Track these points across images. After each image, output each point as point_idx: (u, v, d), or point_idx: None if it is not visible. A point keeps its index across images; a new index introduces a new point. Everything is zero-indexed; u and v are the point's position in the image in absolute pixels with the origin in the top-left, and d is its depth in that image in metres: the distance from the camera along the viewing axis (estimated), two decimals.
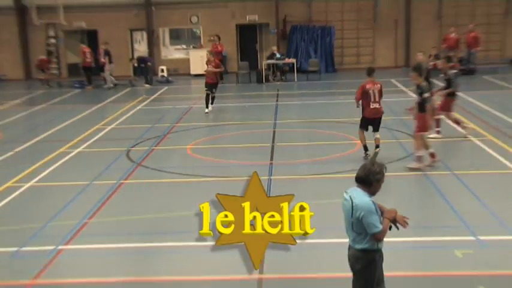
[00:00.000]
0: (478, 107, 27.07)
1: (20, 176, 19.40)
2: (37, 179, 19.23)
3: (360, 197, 8.23)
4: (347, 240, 11.46)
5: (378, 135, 19.39)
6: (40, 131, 26.48)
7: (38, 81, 43.12)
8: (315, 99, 31.46)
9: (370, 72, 20.06)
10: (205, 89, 30.46)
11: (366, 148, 19.69)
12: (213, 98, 30.62)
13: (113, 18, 43.45)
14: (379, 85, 19.51)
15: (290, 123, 26.18)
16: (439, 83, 25.79)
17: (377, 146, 19.28)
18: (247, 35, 43.79)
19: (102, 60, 40.37)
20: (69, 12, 43.26)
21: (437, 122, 21.96)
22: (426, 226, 14.10)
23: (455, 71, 23.91)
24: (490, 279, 11.00)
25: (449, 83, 23.24)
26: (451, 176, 17.54)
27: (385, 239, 12.70)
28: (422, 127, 17.96)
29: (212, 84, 30.54)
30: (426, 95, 17.84)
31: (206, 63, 31.26)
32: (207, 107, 30.08)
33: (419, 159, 17.82)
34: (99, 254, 13.44)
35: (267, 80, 39.47)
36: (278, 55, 40.17)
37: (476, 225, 13.72)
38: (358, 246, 8.44)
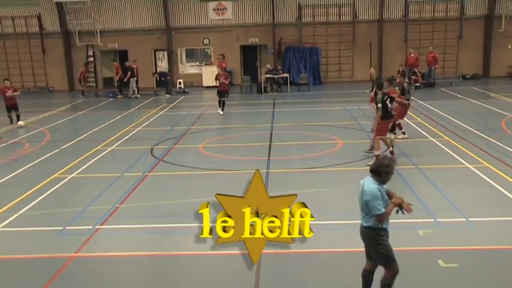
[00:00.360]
0: (437, 113, 27.08)
1: (64, 169, 19.46)
2: (78, 171, 19.29)
3: (369, 184, 8.63)
4: (331, 222, 11.64)
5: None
6: (80, 132, 26.45)
7: (79, 92, 43.25)
8: (305, 106, 31.40)
9: (391, 81, 19.79)
10: (218, 96, 31.35)
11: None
12: (224, 103, 31.14)
13: (140, 40, 43.38)
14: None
15: (284, 126, 26.10)
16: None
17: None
18: (249, 54, 43.67)
19: (121, 75, 40.73)
20: (104, 35, 43.25)
21: (399, 126, 21.94)
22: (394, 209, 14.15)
23: (408, 82, 24.10)
24: (447, 254, 11.11)
25: (403, 92, 23.43)
26: (415, 169, 17.63)
27: (351, 222, 12.74)
28: (382, 131, 17.85)
29: (224, 91, 31.32)
30: (379, 105, 17.71)
31: (216, 76, 31.94)
32: (222, 110, 31.06)
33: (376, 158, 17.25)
34: (127, 232, 13.59)
35: (266, 91, 39.21)
36: (276, 70, 40.27)
37: (435, 209, 13.82)
38: (365, 224, 8.77)
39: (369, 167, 16.75)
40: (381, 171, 8.67)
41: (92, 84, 43.48)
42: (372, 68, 29.48)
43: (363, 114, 25.33)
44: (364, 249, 9.19)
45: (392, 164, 8.91)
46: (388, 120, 18.17)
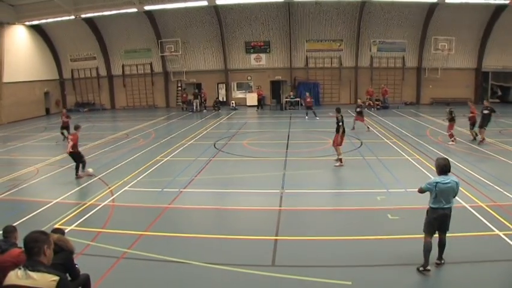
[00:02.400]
0: (389, 125, 26.87)
1: (162, 154, 19.69)
2: (170, 156, 19.47)
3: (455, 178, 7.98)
4: (324, 190, 11.55)
5: None
6: (172, 132, 26.64)
7: (173, 108, 43.69)
8: (310, 119, 31.34)
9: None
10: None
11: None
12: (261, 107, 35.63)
13: (209, 77, 43.37)
14: None
15: (297, 131, 26.01)
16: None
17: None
18: (276, 86, 43.33)
19: (187, 98, 41.70)
20: (188, 74, 43.44)
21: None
22: (363, 183, 14.18)
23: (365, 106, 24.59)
24: (393, 211, 11.20)
25: (361, 113, 24.83)
26: (376, 159, 17.55)
27: (345, 190, 12.73)
28: (338, 142, 16.90)
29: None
30: (340, 123, 16.90)
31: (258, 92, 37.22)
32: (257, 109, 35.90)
33: (340, 160, 16.75)
34: (200, 194, 13.73)
35: (286, 109, 39.22)
36: (292, 96, 40.32)
37: (387, 183, 13.91)
38: (450, 206, 7.88)
39: (336, 167, 16.44)
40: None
41: (180, 103, 43.71)
42: (358, 100, 29.40)
43: (348, 126, 25.27)
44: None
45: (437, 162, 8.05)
46: (337, 134, 17.02)
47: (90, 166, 16.35)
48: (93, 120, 35.30)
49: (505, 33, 38.54)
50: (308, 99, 32.84)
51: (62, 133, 24.41)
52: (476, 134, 21.17)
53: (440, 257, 8.21)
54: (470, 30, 39.29)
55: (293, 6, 39.14)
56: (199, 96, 41.01)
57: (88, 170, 16.17)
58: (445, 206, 7.81)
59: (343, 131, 17.14)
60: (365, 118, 26.49)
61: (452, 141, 20.68)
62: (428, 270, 7.93)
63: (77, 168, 16.06)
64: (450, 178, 7.85)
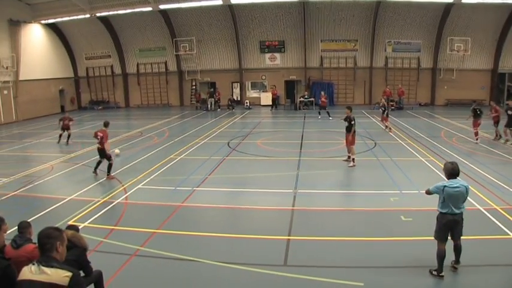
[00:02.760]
0: (403, 126, 26.68)
1: (176, 152, 19.77)
2: (184, 154, 19.55)
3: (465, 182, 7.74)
4: (336, 191, 11.54)
5: None
6: (186, 131, 26.74)
7: (187, 107, 43.91)
8: (324, 119, 31.21)
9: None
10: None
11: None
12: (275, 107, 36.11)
13: (223, 76, 43.45)
14: None
15: (311, 131, 25.90)
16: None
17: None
18: (290, 85, 43.31)
19: (200, 97, 42.26)
20: (202, 73, 43.58)
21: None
22: (376, 184, 14.13)
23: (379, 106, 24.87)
24: (406, 212, 11.14)
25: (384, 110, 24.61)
26: (390, 160, 17.44)
27: (358, 191, 12.72)
28: (351, 142, 16.89)
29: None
30: (353, 122, 16.85)
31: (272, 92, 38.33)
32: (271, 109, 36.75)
33: (353, 160, 16.78)
34: (213, 193, 13.73)
35: (300, 109, 39.10)
36: (307, 96, 40.22)
37: (401, 184, 13.85)
38: (462, 211, 7.66)
39: (349, 167, 16.42)
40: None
41: (193, 102, 43.87)
42: (382, 99, 29.06)
43: (362, 127, 25.13)
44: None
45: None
46: (348, 133, 16.96)
47: (104, 164, 16.41)
48: (108, 118, 35.09)
49: None
50: (323, 99, 32.75)
51: (60, 135, 23.97)
52: (501, 136, 21.41)
53: (457, 261, 8.07)
54: (487, 31, 38.85)
55: (308, 5, 39.02)
56: (214, 95, 41.12)
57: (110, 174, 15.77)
58: (455, 212, 7.58)
59: (354, 130, 17.01)
60: (383, 119, 26.45)
61: (476, 139, 21.07)
62: (442, 276, 7.77)
63: (97, 164, 16.00)
64: (459, 182, 7.63)
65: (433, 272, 7.85)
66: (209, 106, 40.44)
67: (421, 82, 41.37)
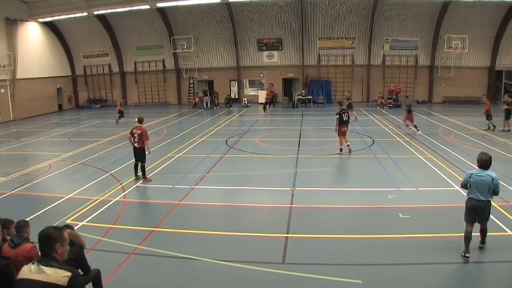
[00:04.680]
0: (401, 124, 26.54)
1: (174, 151, 19.75)
2: (182, 152, 19.54)
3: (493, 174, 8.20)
4: (333, 188, 11.55)
5: None
6: (184, 129, 26.69)
7: (185, 105, 43.88)
8: (321, 117, 31.12)
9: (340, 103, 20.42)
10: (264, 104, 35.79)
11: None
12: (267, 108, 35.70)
13: (221, 74, 43.46)
14: None
15: (308, 129, 25.91)
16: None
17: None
18: (288, 83, 43.28)
19: (200, 96, 41.77)
20: (200, 71, 43.53)
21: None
22: (374, 182, 14.15)
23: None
24: (404, 210, 11.14)
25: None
26: (388, 158, 17.43)
27: (356, 189, 12.69)
28: (340, 132, 18.44)
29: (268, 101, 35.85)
30: (337, 116, 18.39)
31: (268, 91, 37.32)
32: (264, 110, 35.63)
33: (341, 150, 18.39)
34: (212, 191, 13.75)
35: (297, 106, 39.01)
36: (304, 94, 40.09)
37: (399, 182, 13.86)
38: (488, 199, 8.19)
39: (338, 154, 17.12)
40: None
41: (191, 100, 43.86)
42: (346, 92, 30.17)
43: (358, 124, 25.20)
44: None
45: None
46: (341, 125, 18.42)
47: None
48: (105, 116, 35.49)
49: None
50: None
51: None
52: (494, 126, 23.76)
53: (482, 241, 8.69)
54: (484, 29, 38.91)
55: (306, 3, 39.01)
56: (208, 94, 40.99)
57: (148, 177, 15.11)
58: (479, 198, 8.15)
59: (340, 123, 18.36)
60: (354, 115, 26.64)
61: (416, 128, 23.19)
62: (467, 257, 8.23)
63: (136, 167, 15.03)
64: (486, 172, 8.20)
65: (462, 254, 8.32)
66: (205, 104, 40.36)
67: (419, 79, 41.40)
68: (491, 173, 8.20)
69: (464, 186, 8.50)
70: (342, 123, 18.40)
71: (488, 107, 23.89)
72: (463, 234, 8.32)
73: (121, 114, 30.47)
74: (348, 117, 18.95)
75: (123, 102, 30.07)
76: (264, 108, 36.12)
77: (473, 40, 39.09)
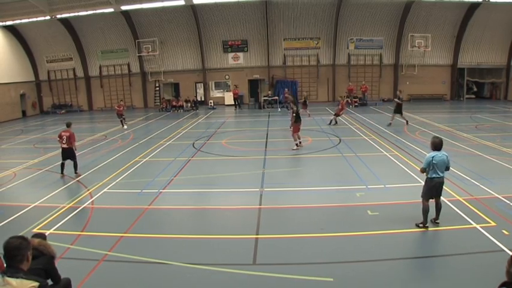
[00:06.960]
0: (367, 122, 27.09)
1: (141, 155, 19.55)
2: (149, 156, 19.36)
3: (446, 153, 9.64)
4: (306, 188, 11.58)
5: None
6: (151, 132, 26.49)
7: (151, 109, 43.44)
8: (288, 117, 31.17)
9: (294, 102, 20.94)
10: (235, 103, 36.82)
11: None
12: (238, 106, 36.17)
13: (186, 77, 43.37)
14: None
15: (275, 129, 26.04)
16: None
17: None
18: (254, 84, 43.46)
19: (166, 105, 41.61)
20: (166, 74, 43.35)
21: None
22: (342, 180, 14.28)
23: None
24: (373, 207, 11.32)
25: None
26: (354, 156, 17.65)
27: (324, 187, 12.79)
28: (296, 129, 19.75)
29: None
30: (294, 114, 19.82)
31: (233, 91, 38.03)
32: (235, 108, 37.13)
33: (296, 145, 19.62)
34: (180, 194, 13.66)
35: (264, 107, 39.20)
36: (270, 95, 40.33)
37: (366, 180, 14.03)
38: (444, 175, 9.62)
39: (292, 150, 17.57)
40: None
41: (157, 103, 43.62)
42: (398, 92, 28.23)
43: (323, 122, 25.40)
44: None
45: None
46: (297, 123, 19.75)
47: (68, 169, 16.19)
48: (71, 121, 34.83)
49: (479, 30, 39.41)
50: (286, 95, 33.86)
51: None
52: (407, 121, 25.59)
53: (437, 217, 9.92)
54: (446, 28, 39.92)
55: (270, 4, 39.24)
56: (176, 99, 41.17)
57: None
58: (440, 175, 9.49)
59: (296, 121, 19.71)
60: (341, 114, 27.18)
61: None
62: (427, 227, 9.66)
63: (62, 166, 16.49)
64: (442, 152, 9.55)
65: (420, 225, 9.74)
66: (171, 108, 40.47)
67: (384, 78, 42.13)
68: (444, 152, 9.58)
69: (425, 169, 9.60)
70: (299, 121, 19.82)
71: (342, 107, 27.55)
72: (422, 208, 9.71)
73: (121, 116, 30.16)
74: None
75: (123, 105, 30.62)
76: (235, 105, 38.83)
77: (436, 39, 40.06)
